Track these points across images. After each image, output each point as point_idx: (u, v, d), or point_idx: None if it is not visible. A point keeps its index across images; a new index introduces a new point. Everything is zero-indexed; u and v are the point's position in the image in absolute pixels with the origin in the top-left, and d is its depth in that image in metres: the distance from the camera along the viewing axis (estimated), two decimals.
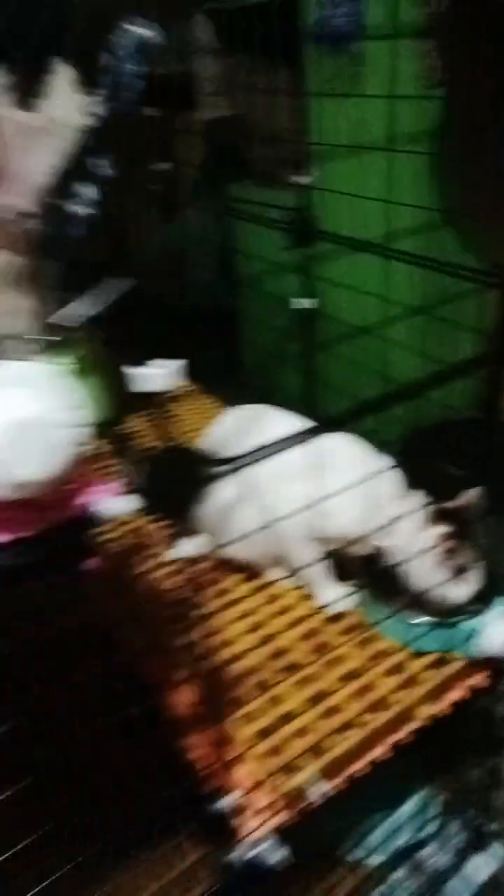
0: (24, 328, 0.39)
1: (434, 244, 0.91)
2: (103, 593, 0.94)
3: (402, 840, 1.02)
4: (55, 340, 0.38)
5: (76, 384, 0.36)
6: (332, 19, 1.45)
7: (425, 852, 1.08)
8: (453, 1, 1.12)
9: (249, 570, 0.90)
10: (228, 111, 2.10)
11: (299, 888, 1.02)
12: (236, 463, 0.42)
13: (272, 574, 0.89)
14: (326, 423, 0.60)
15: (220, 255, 2.05)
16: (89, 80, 0.81)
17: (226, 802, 0.64)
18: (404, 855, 1.05)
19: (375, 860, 1.02)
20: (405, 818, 1.03)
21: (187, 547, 0.85)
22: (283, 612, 0.86)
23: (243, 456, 0.42)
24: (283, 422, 0.84)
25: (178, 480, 0.40)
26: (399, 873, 1.06)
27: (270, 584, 0.89)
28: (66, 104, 0.87)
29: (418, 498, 0.79)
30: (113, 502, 0.40)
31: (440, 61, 1.13)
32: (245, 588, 0.90)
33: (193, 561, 0.86)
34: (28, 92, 0.86)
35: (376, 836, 1.01)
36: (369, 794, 1.00)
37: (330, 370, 1.08)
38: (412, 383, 0.57)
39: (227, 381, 1.39)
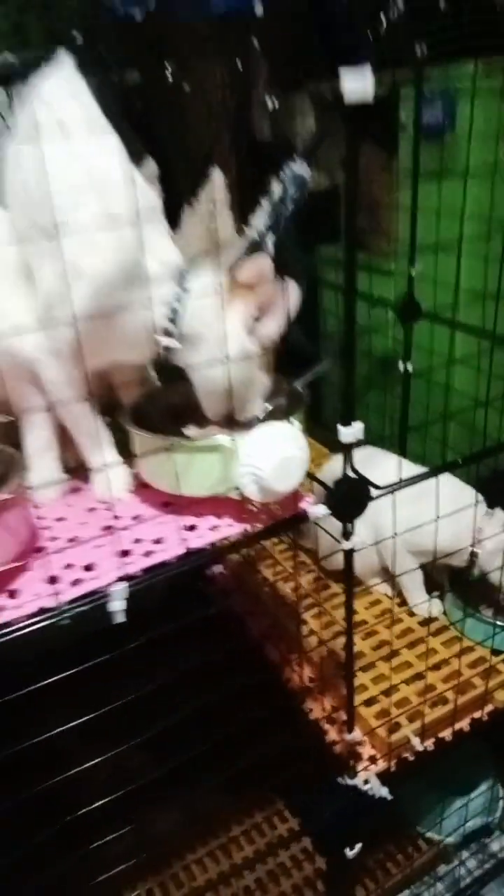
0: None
1: None
2: (233, 590, 1.18)
3: (471, 823, 1.20)
4: (293, 407, 0.63)
5: (301, 435, 0.60)
6: (426, 113, 1.69)
7: (493, 837, 1.25)
8: None
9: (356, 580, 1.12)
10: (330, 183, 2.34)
11: (383, 854, 1.21)
12: (391, 487, 0.65)
13: (373, 582, 1.11)
14: (447, 467, 0.81)
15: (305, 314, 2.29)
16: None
17: (343, 748, 0.85)
18: (472, 837, 1.22)
19: (448, 839, 1.20)
20: (476, 803, 1.20)
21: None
22: (382, 613, 1.07)
23: (395, 483, 0.65)
24: (390, 461, 1.06)
25: (353, 497, 0.63)
26: (467, 854, 1.23)
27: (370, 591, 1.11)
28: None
29: (501, 516, 0.99)
30: (313, 509, 0.63)
31: None
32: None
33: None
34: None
35: (450, 817, 1.19)
36: (446, 777, 1.19)
37: (416, 420, 1.29)
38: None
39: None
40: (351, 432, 0.59)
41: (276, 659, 1.04)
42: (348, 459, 0.61)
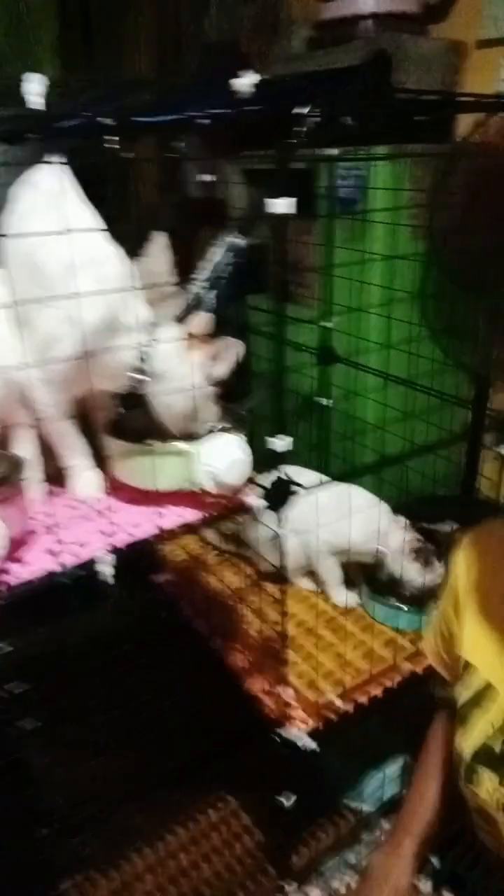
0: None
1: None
2: (181, 596, 1.35)
3: (388, 792, 1.38)
4: (239, 424, 0.83)
5: (246, 444, 0.80)
6: (341, 187, 1.97)
7: None
8: (443, 176, 1.59)
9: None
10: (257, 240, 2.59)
11: (310, 823, 1.37)
12: (310, 488, 0.86)
13: (301, 581, 1.31)
14: (345, 475, 1.03)
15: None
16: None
17: (277, 705, 1.03)
18: (389, 806, 1.41)
19: (367, 809, 1.38)
20: (391, 775, 1.39)
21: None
22: (310, 606, 1.27)
23: (313, 486, 0.86)
24: (311, 475, 1.27)
25: (282, 493, 0.82)
26: (385, 822, 1.41)
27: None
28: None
29: (403, 520, 1.22)
30: (253, 501, 0.83)
31: (431, 225, 1.60)
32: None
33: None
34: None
35: (368, 788, 1.37)
36: (365, 751, 1.38)
37: (335, 447, 1.52)
38: (396, 455, 1.02)
39: None
40: (282, 444, 0.79)
41: (220, 649, 1.22)
42: (279, 465, 0.82)
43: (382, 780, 1.37)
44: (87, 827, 1.34)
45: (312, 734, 1.04)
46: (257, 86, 0.63)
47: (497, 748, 0.64)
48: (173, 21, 3.08)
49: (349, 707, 1.08)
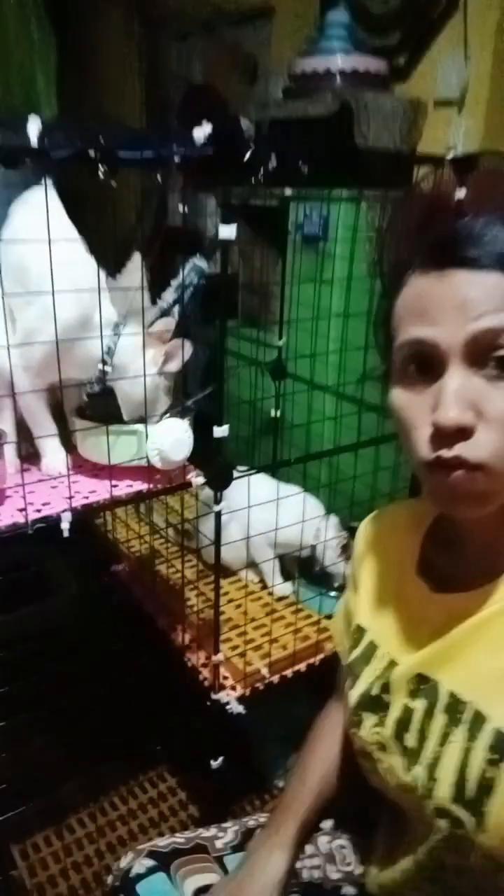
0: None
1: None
2: (133, 580, 1.48)
3: None
4: (185, 413, 0.97)
5: (189, 427, 0.94)
6: (306, 224, 2.16)
7: None
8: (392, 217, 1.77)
9: (227, 571, 1.46)
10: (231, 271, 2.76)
11: (241, 799, 1.49)
12: (246, 471, 1.00)
13: (242, 572, 1.45)
14: (277, 465, 1.17)
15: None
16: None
17: (210, 671, 1.15)
18: None
19: None
20: None
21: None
22: (249, 593, 1.40)
23: (250, 470, 1.00)
24: (272, 483, 1.41)
25: (222, 474, 0.97)
26: None
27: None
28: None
29: (335, 519, 1.36)
30: (195, 479, 0.97)
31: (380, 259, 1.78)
32: (226, 582, 1.44)
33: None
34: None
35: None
36: (294, 734, 1.49)
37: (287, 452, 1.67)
38: (328, 450, 1.17)
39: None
40: (220, 430, 0.94)
41: (165, 628, 1.34)
42: (220, 449, 0.96)
43: None
44: (33, 796, 1.44)
45: (241, 699, 1.17)
46: (214, 134, 0.78)
47: (374, 692, 0.72)
48: (162, 65, 3.30)
49: (275, 678, 1.21)
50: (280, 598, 1.40)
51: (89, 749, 1.38)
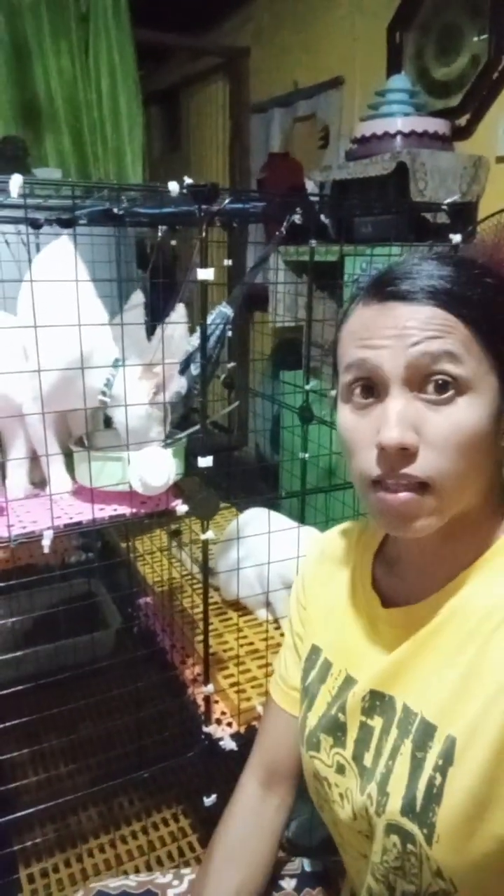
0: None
1: None
2: (153, 613, 1.52)
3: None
4: (170, 444, 1.03)
5: (175, 457, 0.99)
6: (363, 276, 2.21)
7: None
8: None
9: (245, 609, 1.47)
10: (293, 321, 2.85)
11: None
12: (236, 501, 1.03)
13: (258, 611, 1.45)
14: (278, 498, 1.19)
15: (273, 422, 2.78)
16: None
17: (204, 710, 1.16)
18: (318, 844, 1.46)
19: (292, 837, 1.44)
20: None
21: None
22: (262, 632, 1.41)
23: (238, 500, 1.03)
24: (284, 520, 1.43)
25: (206, 503, 1.00)
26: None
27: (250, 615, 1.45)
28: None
29: None
30: (179, 507, 1.01)
31: None
32: (241, 618, 1.46)
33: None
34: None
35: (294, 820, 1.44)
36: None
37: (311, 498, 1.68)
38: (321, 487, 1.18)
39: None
40: (204, 461, 0.98)
41: (176, 662, 1.36)
42: (202, 479, 1.00)
43: (311, 816, 1.43)
44: (50, 822, 1.48)
45: (235, 736, 1.17)
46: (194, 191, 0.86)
47: (332, 712, 0.73)
48: (244, 136, 3.52)
49: None
50: None
51: (109, 779, 1.41)
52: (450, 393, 0.60)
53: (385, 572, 0.76)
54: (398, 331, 0.60)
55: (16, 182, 0.77)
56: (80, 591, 1.96)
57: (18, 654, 1.56)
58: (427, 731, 0.62)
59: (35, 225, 1.20)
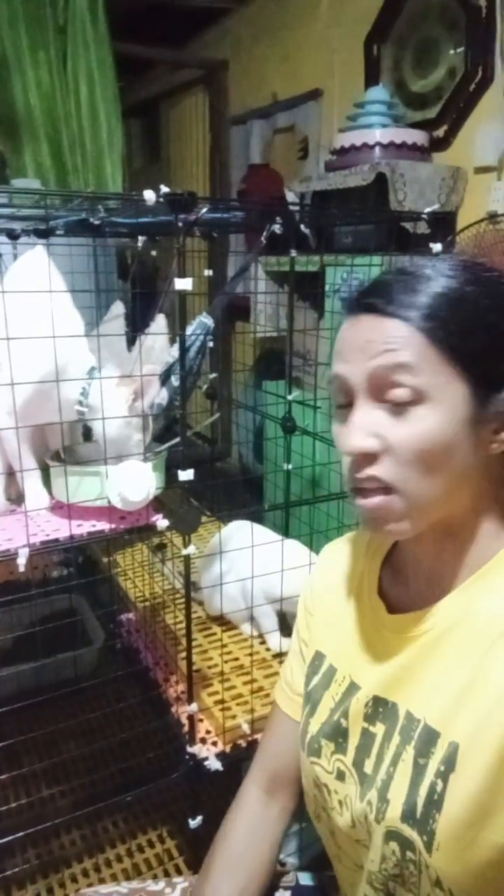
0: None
1: None
2: (135, 629, 1.49)
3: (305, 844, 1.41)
4: (149, 457, 1.00)
5: (155, 471, 0.96)
6: (343, 288, 2.21)
7: None
8: None
9: (229, 623, 1.44)
10: (275, 331, 2.84)
11: None
12: (219, 514, 1.01)
13: (243, 626, 1.43)
14: (262, 511, 1.17)
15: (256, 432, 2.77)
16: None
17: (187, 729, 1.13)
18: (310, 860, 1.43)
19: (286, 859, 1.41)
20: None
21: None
22: (247, 647, 1.38)
23: (222, 512, 1.01)
24: (268, 533, 1.41)
25: (188, 518, 0.98)
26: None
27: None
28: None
29: None
30: (159, 521, 0.99)
31: None
32: (226, 634, 1.43)
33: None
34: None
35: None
36: None
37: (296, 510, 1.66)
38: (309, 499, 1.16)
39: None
40: (185, 475, 0.96)
41: (159, 679, 1.33)
42: (185, 493, 0.98)
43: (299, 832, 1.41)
44: (33, 847, 1.44)
45: (221, 756, 1.14)
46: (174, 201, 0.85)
47: (334, 718, 0.72)
48: (224, 147, 3.53)
49: (257, 735, 1.17)
50: (277, 655, 1.36)
51: (92, 802, 1.37)
52: (407, 402, 0.61)
53: (392, 579, 0.76)
54: (362, 343, 0.63)
55: None
56: (62, 608, 1.92)
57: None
58: (430, 738, 0.62)
59: (12, 236, 1.18)
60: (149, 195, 0.84)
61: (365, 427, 0.63)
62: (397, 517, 0.63)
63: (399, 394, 0.61)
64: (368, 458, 0.63)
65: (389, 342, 0.61)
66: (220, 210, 0.97)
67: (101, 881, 1.39)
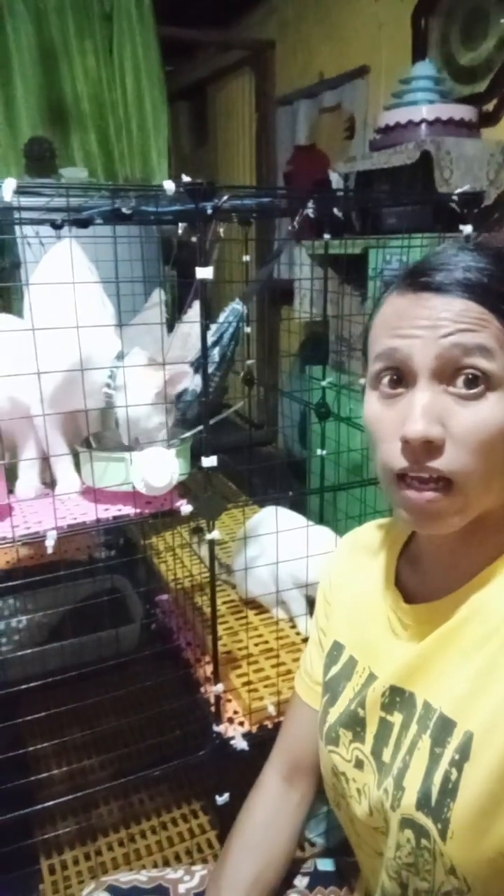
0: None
1: None
2: (170, 610, 1.52)
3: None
4: (173, 444, 1.03)
5: (180, 457, 0.98)
6: (387, 268, 2.18)
7: None
8: None
9: (261, 607, 1.46)
10: (318, 316, 2.81)
11: None
12: (239, 501, 1.02)
13: (274, 610, 1.44)
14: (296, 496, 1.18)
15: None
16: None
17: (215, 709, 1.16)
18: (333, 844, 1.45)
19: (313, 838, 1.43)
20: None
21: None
22: (276, 630, 1.40)
23: (242, 500, 1.02)
24: (299, 518, 1.42)
25: (212, 503, 1.00)
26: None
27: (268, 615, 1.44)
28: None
29: None
30: (184, 506, 1.01)
31: None
32: (257, 617, 1.45)
33: None
34: None
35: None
36: None
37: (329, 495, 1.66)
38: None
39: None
40: (209, 461, 0.98)
41: (190, 659, 1.37)
42: (209, 478, 1.00)
43: (327, 814, 1.42)
44: (72, 815, 1.50)
45: (247, 736, 1.16)
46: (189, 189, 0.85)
47: (352, 707, 0.73)
48: (270, 128, 3.49)
49: (282, 717, 1.19)
50: (306, 639, 1.37)
51: (126, 774, 1.42)
52: (479, 388, 0.58)
53: (409, 569, 0.76)
54: (431, 322, 0.59)
55: (8, 186, 0.78)
56: (104, 588, 1.98)
57: (45, 647, 1.58)
58: (446, 727, 0.62)
59: (55, 226, 1.21)
60: (168, 185, 0.85)
61: (430, 412, 0.58)
62: (452, 512, 0.60)
63: (473, 378, 0.58)
64: (428, 447, 0.58)
65: (465, 322, 0.58)
66: (240, 197, 0.97)
67: (136, 852, 1.45)
